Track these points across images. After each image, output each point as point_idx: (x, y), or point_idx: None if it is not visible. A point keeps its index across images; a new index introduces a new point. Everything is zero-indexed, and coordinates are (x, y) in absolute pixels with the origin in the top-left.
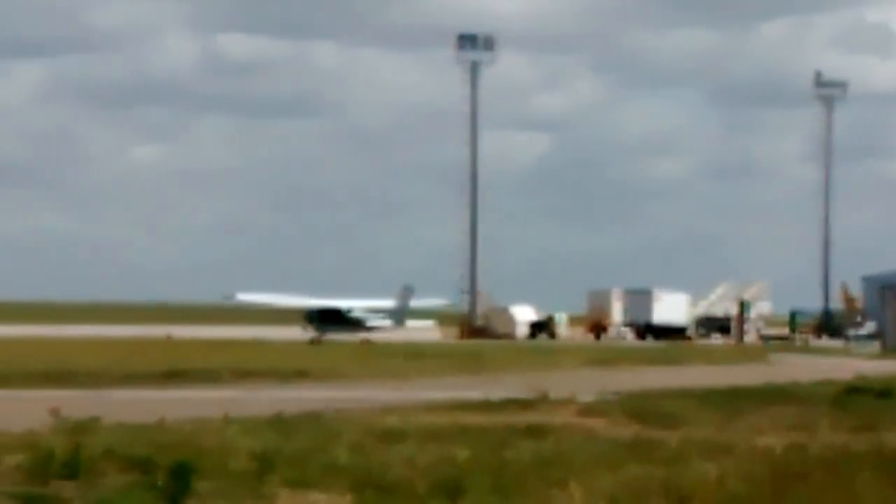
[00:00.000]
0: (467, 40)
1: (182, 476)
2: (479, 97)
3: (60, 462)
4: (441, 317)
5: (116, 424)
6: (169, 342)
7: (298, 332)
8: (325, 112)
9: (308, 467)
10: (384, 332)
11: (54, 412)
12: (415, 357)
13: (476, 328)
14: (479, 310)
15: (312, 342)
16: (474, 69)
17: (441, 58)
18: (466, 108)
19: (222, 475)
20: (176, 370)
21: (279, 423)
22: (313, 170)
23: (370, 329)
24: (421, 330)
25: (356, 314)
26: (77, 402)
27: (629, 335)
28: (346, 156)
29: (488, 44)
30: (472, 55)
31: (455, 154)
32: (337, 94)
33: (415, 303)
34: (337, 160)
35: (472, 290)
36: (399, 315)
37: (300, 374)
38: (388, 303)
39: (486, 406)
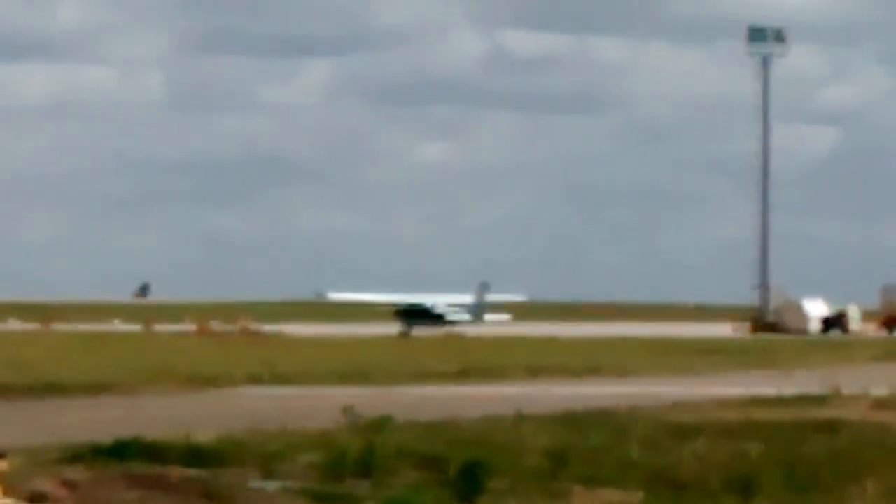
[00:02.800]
0: (758, 33)
1: (474, 474)
2: (769, 90)
3: (354, 460)
4: (732, 312)
5: (409, 422)
6: (462, 340)
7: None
8: (611, 107)
9: (600, 464)
10: (464, 325)
11: (348, 411)
12: (706, 353)
13: (767, 323)
14: (771, 305)
15: (402, 336)
16: (765, 62)
17: (729, 50)
18: (754, 102)
19: (515, 473)
20: (468, 368)
21: (571, 419)
22: (599, 166)
23: (452, 323)
24: (498, 323)
25: (439, 310)
26: (370, 401)
27: None
28: (632, 151)
29: (779, 36)
30: (762, 48)
31: (743, 148)
32: (622, 88)
33: (491, 297)
34: (623, 155)
35: (763, 286)
36: (477, 310)
37: (591, 371)
38: (467, 298)
39: (778, 402)
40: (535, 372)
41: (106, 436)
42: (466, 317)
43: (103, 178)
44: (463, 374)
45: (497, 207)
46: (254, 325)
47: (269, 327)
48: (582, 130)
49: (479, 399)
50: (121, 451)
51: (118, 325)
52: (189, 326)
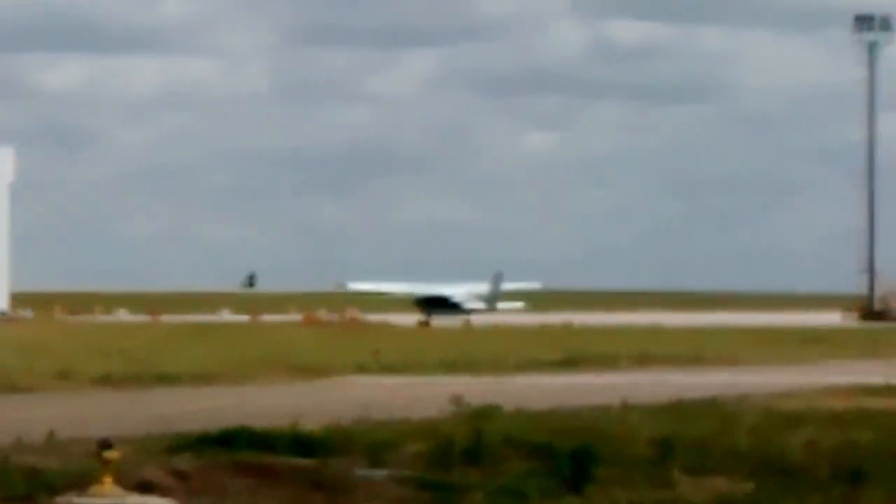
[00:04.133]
0: (864, 21)
1: (583, 462)
2: (876, 78)
3: (461, 449)
4: (840, 301)
5: (516, 411)
6: (568, 328)
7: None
8: (716, 96)
9: (708, 453)
10: (480, 314)
11: (455, 399)
12: (813, 341)
13: (875, 311)
14: (877, 293)
15: (421, 324)
16: (871, 50)
17: (834, 38)
18: (860, 90)
19: (623, 462)
20: (574, 356)
21: (678, 408)
22: (705, 155)
23: (468, 312)
24: (511, 311)
25: (457, 299)
26: (478, 389)
27: None
28: (738, 140)
29: (885, 24)
30: (868, 36)
31: (849, 136)
32: (727, 77)
33: (505, 286)
34: (727, 145)
35: (871, 274)
36: (492, 299)
37: (698, 360)
38: (483, 288)
39: (887, 390)
40: (641, 361)
41: (214, 425)
42: (482, 305)
43: (210, 170)
44: (569, 363)
45: (601, 197)
46: (360, 315)
47: (374, 317)
48: (686, 120)
49: (586, 388)
50: (229, 441)
51: (226, 316)
52: (295, 316)
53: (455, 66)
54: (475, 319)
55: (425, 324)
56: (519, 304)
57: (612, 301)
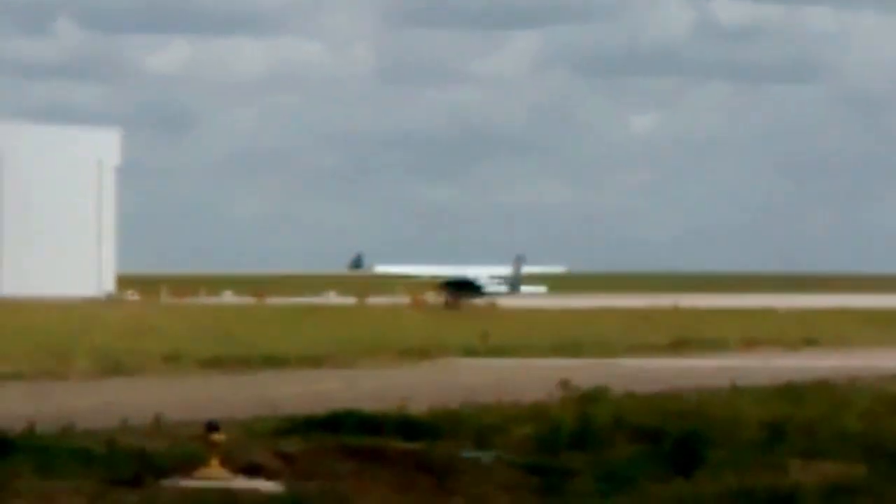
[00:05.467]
0: None
1: (692, 445)
2: None
3: (569, 432)
4: None
5: (625, 394)
6: (677, 311)
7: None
8: (823, 76)
9: (819, 436)
10: (502, 297)
11: (563, 383)
12: None
13: None
14: None
15: (447, 307)
16: None
17: None
18: None
19: (732, 445)
20: (683, 339)
21: (789, 391)
22: (813, 135)
23: (491, 295)
24: (534, 295)
25: (481, 282)
26: (586, 372)
27: None
28: (845, 120)
29: None
30: None
31: None
32: (834, 57)
33: (527, 270)
34: (835, 125)
35: None
36: (515, 282)
37: (809, 342)
38: (505, 271)
39: None
40: (750, 344)
41: (321, 408)
42: (504, 289)
43: (315, 152)
44: (678, 346)
45: (707, 178)
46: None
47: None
48: (793, 100)
49: (695, 371)
50: (336, 424)
51: (332, 298)
52: (403, 298)
53: (559, 47)
54: (502, 302)
55: (451, 307)
56: (542, 289)
57: (719, 283)
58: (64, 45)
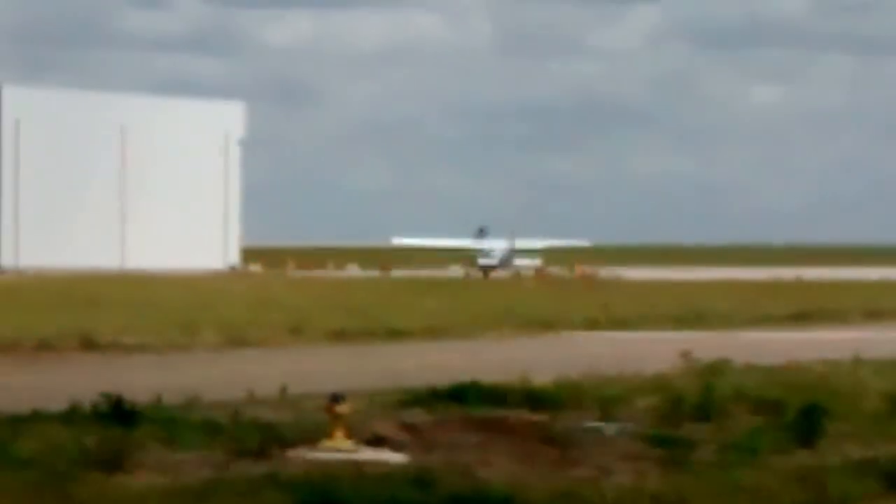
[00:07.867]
0: None
1: (813, 417)
2: None
3: (692, 404)
4: None
5: (746, 366)
6: (799, 283)
7: None
8: None
9: None
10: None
11: (685, 355)
12: None
13: None
14: None
15: (466, 278)
16: None
17: None
18: None
19: (853, 417)
20: (805, 311)
21: None
22: None
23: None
24: (527, 268)
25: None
26: (707, 344)
27: None
28: None
29: None
30: None
31: None
32: None
33: (520, 244)
34: None
35: None
36: (507, 256)
37: None
38: (502, 244)
39: None
40: (872, 315)
41: (444, 380)
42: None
43: (437, 124)
44: (800, 318)
45: (828, 150)
46: (591, 269)
47: (605, 271)
48: None
49: (817, 343)
50: (459, 395)
51: (455, 271)
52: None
53: (679, 20)
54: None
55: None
56: (535, 262)
57: (841, 255)
58: (184, 20)
